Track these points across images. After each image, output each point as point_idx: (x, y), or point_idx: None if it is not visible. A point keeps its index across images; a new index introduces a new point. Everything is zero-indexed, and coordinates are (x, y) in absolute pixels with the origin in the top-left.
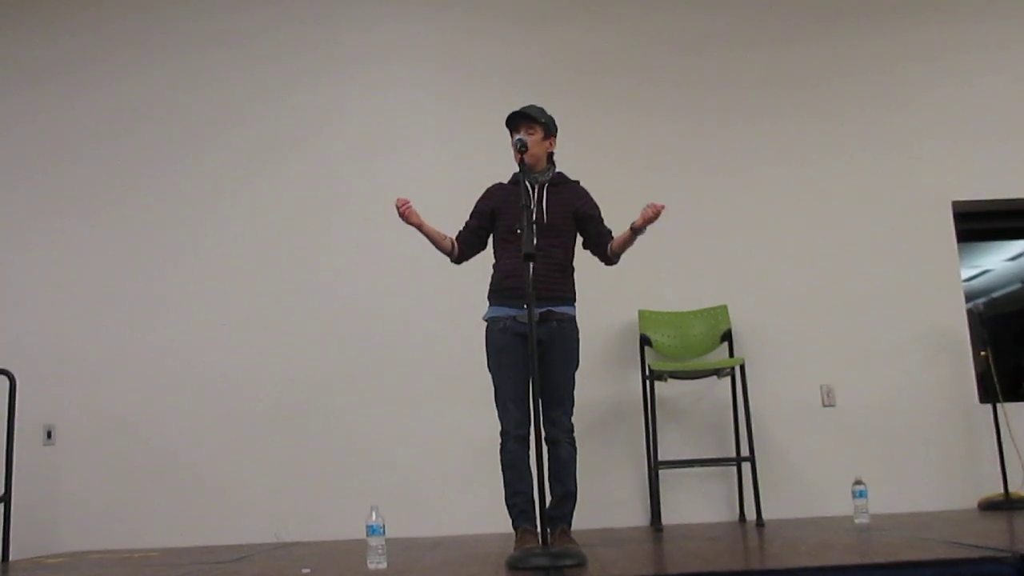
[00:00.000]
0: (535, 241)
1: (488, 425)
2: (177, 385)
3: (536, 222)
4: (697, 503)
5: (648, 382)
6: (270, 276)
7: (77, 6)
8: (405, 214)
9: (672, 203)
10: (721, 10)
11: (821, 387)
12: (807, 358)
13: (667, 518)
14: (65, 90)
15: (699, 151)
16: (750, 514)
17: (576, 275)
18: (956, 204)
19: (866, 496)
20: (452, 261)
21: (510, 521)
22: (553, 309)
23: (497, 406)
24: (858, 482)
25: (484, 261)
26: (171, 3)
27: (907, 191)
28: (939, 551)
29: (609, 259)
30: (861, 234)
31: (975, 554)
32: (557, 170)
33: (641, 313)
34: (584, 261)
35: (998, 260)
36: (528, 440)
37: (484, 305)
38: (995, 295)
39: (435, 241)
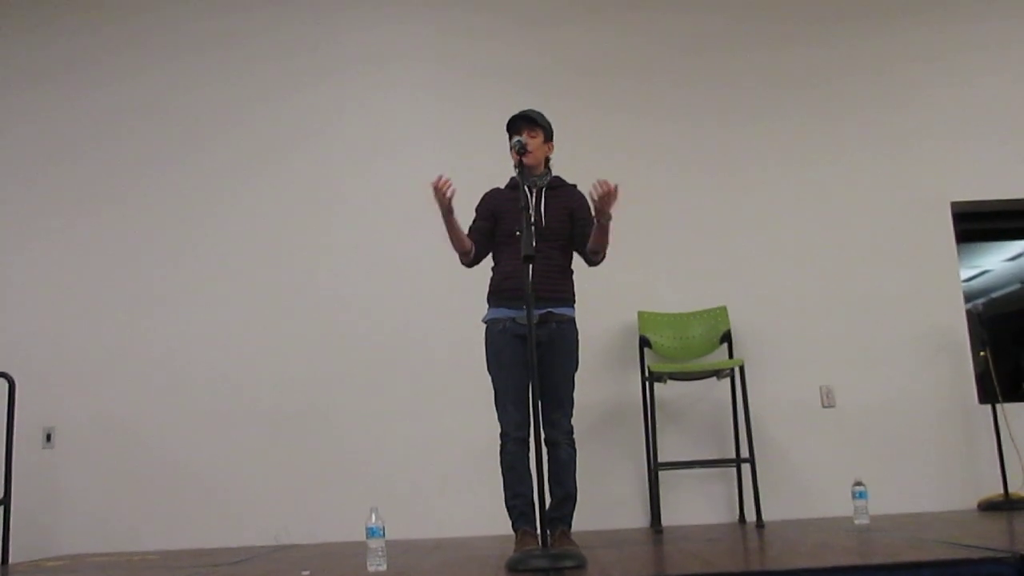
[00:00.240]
0: (534, 243)
1: (488, 427)
2: (176, 387)
3: (535, 225)
4: (697, 504)
5: (648, 383)
6: (269, 278)
7: (77, 7)
8: (443, 188)
9: (671, 204)
10: (719, 10)
11: (820, 388)
12: (806, 359)
13: (667, 519)
14: (64, 91)
15: (698, 151)
16: (750, 515)
17: (576, 277)
18: (955, 204)
19: (866, 497)
20: (465, 263)
21: (510, 523)
22: (553, 311)
23: (497, 408)
24: (858, 483)
25: (484, 263)
26: (170, 4)
27: (906, 191)
28: (939, 552)
29: (589, 258)
30: (860, 235)
31: (975, 555)
32: (554, 174)
33: (640, 314)
34: (583, 263)
35: (997, 260)
36: (528, 442)
37: (483, 307)
38: (994, 295)
39: (457, 236)
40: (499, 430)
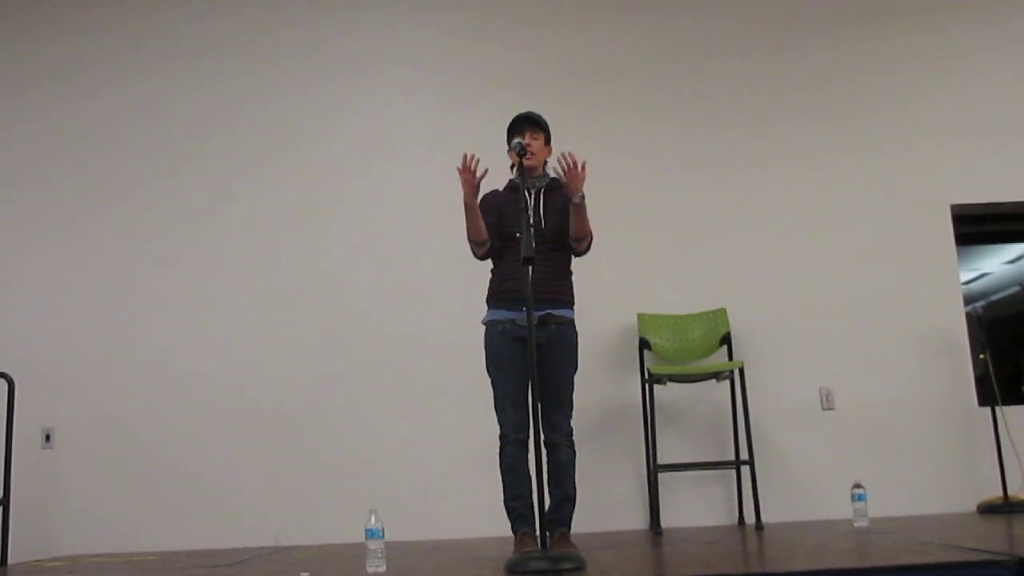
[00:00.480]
0: (533, 245)
1: (487, 428)
2: (176, 388)
3: (534, 226)
4: (696, 506)
5: (647, 385)
6: (268, 279)
7: (77, 10)
8: (472, 167)
9: (671, 206)
10: (719, 13)
11: (820, 390)
12: (806, 361)
13: (666, 521)
14: (64, 92)
15: (698, 154)
16: (749, 517)
17: (576, 279)
18: (955, 207)
19: (865, 499)
20: (479, 255)
21: (509, 525)
22: (552, 312)
23: (496, 410)
24: (857, 485)
25: (483, 264)
26: (169, 7)
27: (905, 194)
28: (938, 554)
29: (574, 248)
30: (860, 237)
31: (974, 557)
32: (551, 176)
33: (640, 316)
34: (583, 264)
35: (997, 263)
36: (527, 444)
37: (483, 308)
38: (994, 298)
39: (476, 224)
40: (498, 432)
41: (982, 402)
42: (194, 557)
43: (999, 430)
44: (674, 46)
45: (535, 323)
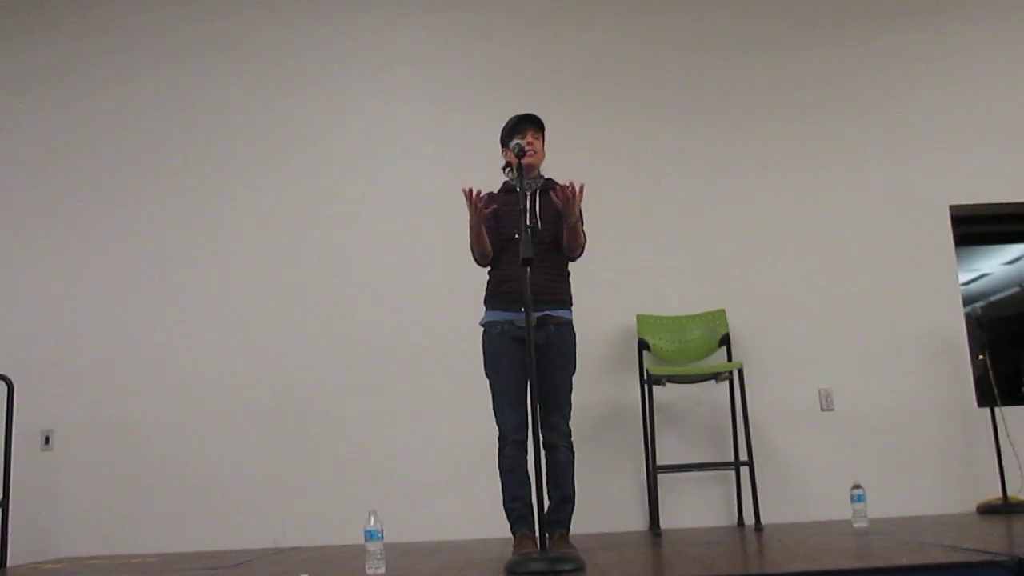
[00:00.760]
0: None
1: (486, 430)
2: (175, 390)
3: (531, 227)
4: (696, 507)
5: (646, 386)
6: (267, 281)
7: (77, 10)
8: (479, 205)
9: (670, 207)
10: (718, 14)
11: (819, 391)
12: (805, 362)
13: (665, 522)
14: (63, 94)
15: (697, 155)
16: (748, 518)
17: (575, 280)
18: (954, 208)
19: (864, 500)
20: (481, 263)
21: (508, 526)
22: (550, 313)
23: (495, 411)
24: (856, 486)
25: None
26: (169, 8)
27: (905, 195)
28: (937, 555)
29: (566, 255)
30: (859, 238)
31: (973, 558)
32: (546, 176)
33: (639, 317)
34: (582, 266)
35: (996, 264)
36: (526, 445)
37: (481, 310)
38: (993, 299)
39: (482, 242)
40: (497, 433)
41: (981, 403)
42: (194, 559)
43: (998, 431)
44: (674, 46)
45: (533, 324)
